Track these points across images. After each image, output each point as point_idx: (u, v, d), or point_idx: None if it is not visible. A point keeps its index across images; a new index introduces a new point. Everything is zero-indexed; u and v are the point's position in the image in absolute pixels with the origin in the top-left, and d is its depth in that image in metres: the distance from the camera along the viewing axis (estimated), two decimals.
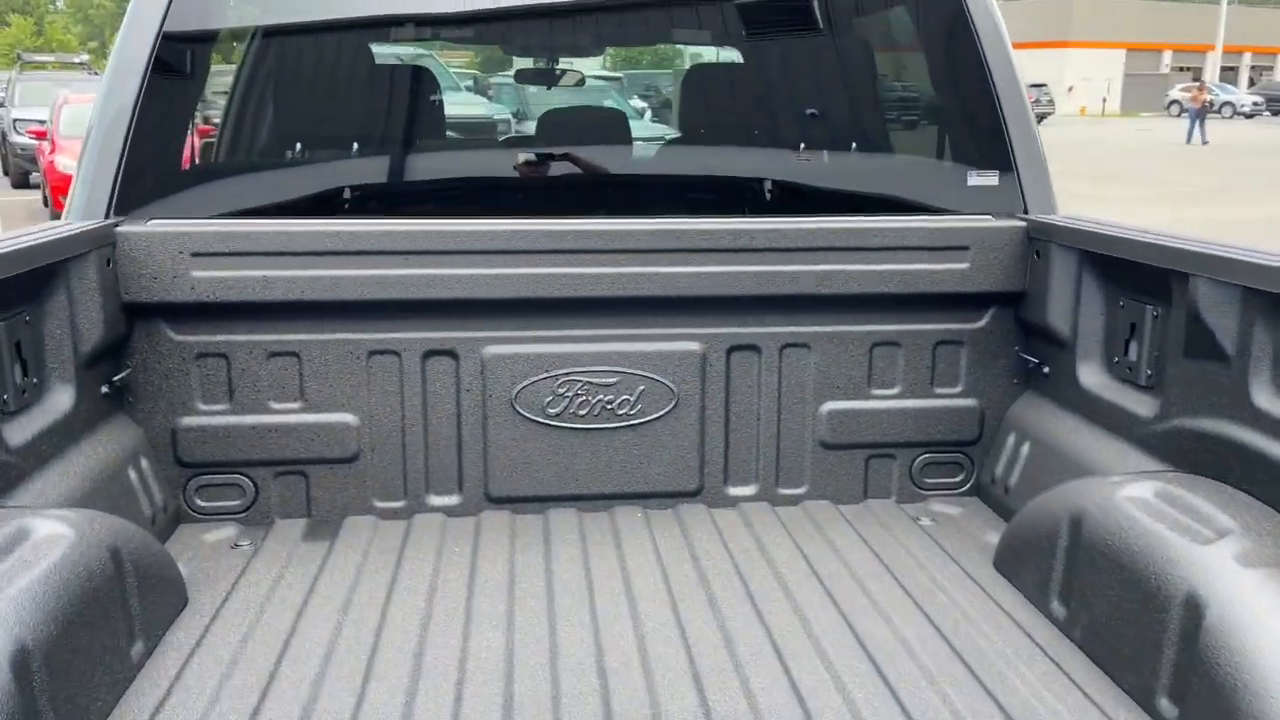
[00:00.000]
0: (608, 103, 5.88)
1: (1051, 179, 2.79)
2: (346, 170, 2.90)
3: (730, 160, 3.10)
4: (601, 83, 5.93)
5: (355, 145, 2.96)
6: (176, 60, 2.59)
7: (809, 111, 3.13)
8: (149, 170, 2.59)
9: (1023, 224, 2.77)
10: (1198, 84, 37.94)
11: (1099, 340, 2.58)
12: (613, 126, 3.48)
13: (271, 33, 2.92)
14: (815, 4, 3.00)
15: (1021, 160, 2.76)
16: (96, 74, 25.68)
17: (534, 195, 2.99)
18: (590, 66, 6.52)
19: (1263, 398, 2.00)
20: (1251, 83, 67.96)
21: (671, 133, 4.68)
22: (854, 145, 3.11)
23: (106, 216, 2.53)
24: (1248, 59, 71.38)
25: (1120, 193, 17.64)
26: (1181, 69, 68.37)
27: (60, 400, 2.35)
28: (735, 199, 2.98)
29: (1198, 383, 2.18)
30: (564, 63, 4.08)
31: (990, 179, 2.79)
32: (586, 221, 2.65)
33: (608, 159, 3.08)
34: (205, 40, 2.72)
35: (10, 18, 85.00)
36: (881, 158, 3.14)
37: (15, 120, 17.55)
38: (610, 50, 8.94)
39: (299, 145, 2.98)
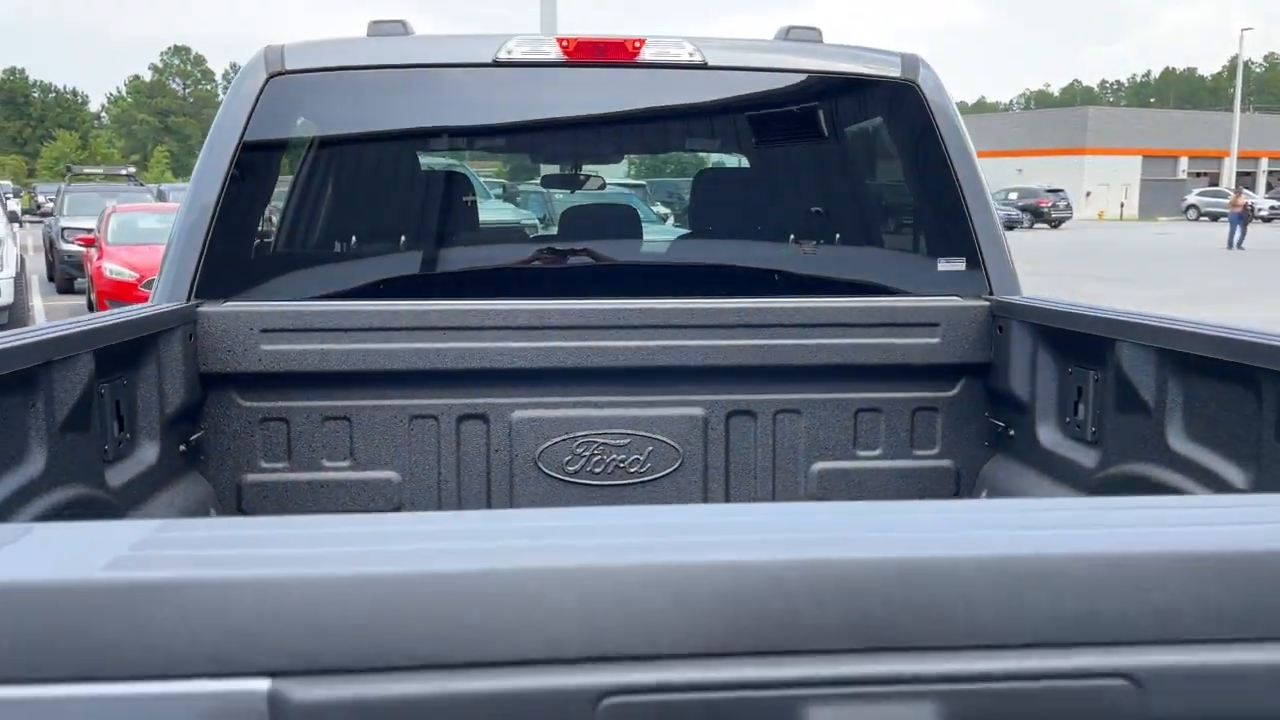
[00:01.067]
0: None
1: (1013, 264, 3.17)
2: (393, 260, 3.31)
3: (732, 251, 3.50)
4: (625, 190, 6.34)
5: (401, 239, 3.37)
6: (251, 169, 3.02)
7: (806, 209, 3.52)
8: (226, 261, 3.00)
9: (986, 303, 3.11)
10: (1235, 189, 38.12)
11: (1054, 403, 2.91)
12: (626, 221, 3.89)
13: (329, 144, 3.36)
14: (806, 120, 3.41)
15: (985, 248, 3.13)
16: (141, 185, 26.78)
17: (557, 280, 3.38)
18: (614, 175, 6.97)
19: (1176, 442, 2.34)
20: (1269, 187, 68.75)
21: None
22: (838, 238, 3.50)
23: (189, 299, 2.93)
24: (1264, 164, 72.33)
25: (1158, 294, 17.84)
26: (1198, 175, 69.30)
27: (147, 454, 2.72)
28: (736, 283, 3.35)
29: (1127, 433, 2.51)
30: (586, 169, 4.51)
31: (958, 265, 3.16)
32: (602, 302, 3.03)
33: (619, 252, 3.49)
34: (276, 152, 3.16)
35: (57, 132, 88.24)
36: (863, 248, 3.53)
37: (64, 229, 18.32)
38: (633, 159, 9.49)
39: (353, 239, 3.40)
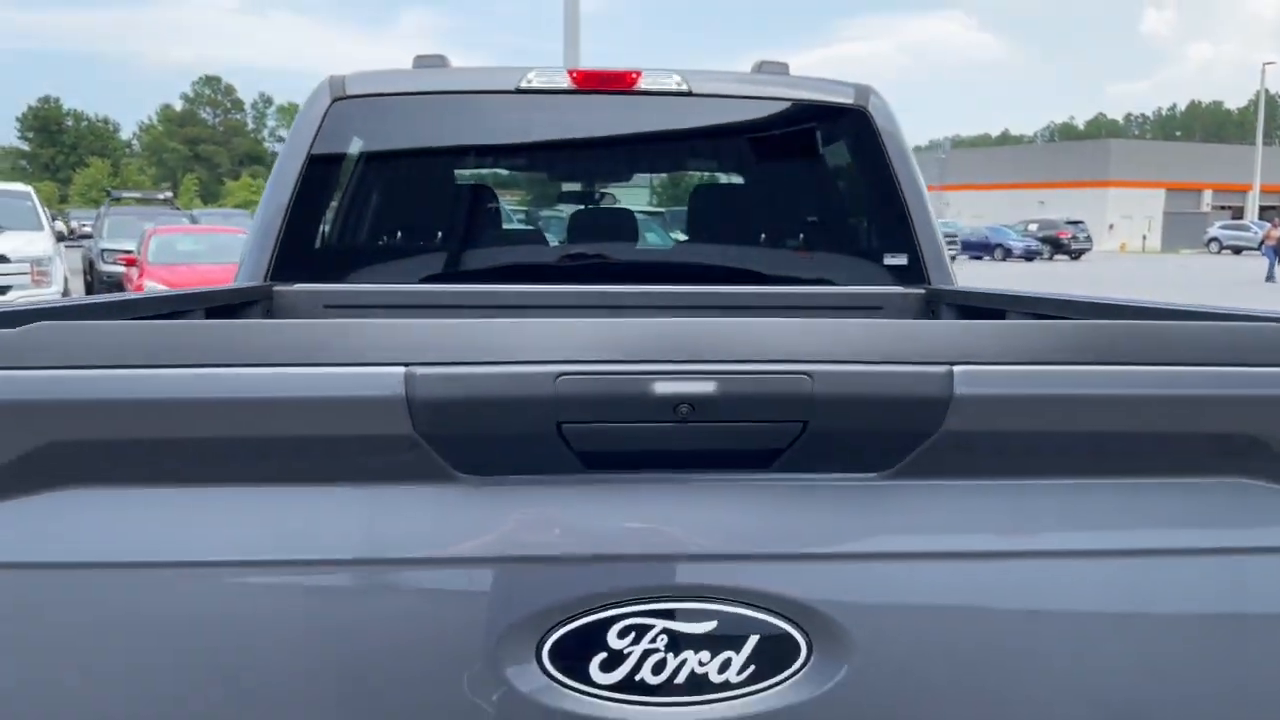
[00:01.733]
0: (650, 236, 6.91)
1: (947, 259, 3.63)
2: (431, 252, 3.83)
3: (710, 250, 4.00)
4: (645, 217, 6.87)
5: (438, 234, 3.90)
6: (316, 176, 3.53)
7: (773, 214, 4.02)
8: (295, 249, 3.45)
9: (923, 290, 3.54)
10: (1273, 222, 37.89)
11: None
12: (625, 227, 4.42)
13: (381, 155, 3.86)
14: (774, 139, 3.89)
15: (923, 246, 3.56)
16: (178, 209, 27.58)
17: (573, 272, 3.88)
18: (637, 202, 7.51)
19: None
20: None
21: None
22: (802, 237, 3.99)
23: (265, 280, 3.41)
24: None
25: None
26: (1222, 208, 69.47)
27: None
28: (719, 274, 3.83)
29: None
30: (597, 183, 5.08)
31: (900, 259, 3.61)
32: (606, 287, 3.45)
33: (619, 251, 3.99)
34: (337, 162, 3.67)
35: (89, 159, 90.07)
36: (821, 246, 4.02)
37: (104, 250, 19.04)
38: (656, 188, 10.14)
39: (399, 233, 3.92)
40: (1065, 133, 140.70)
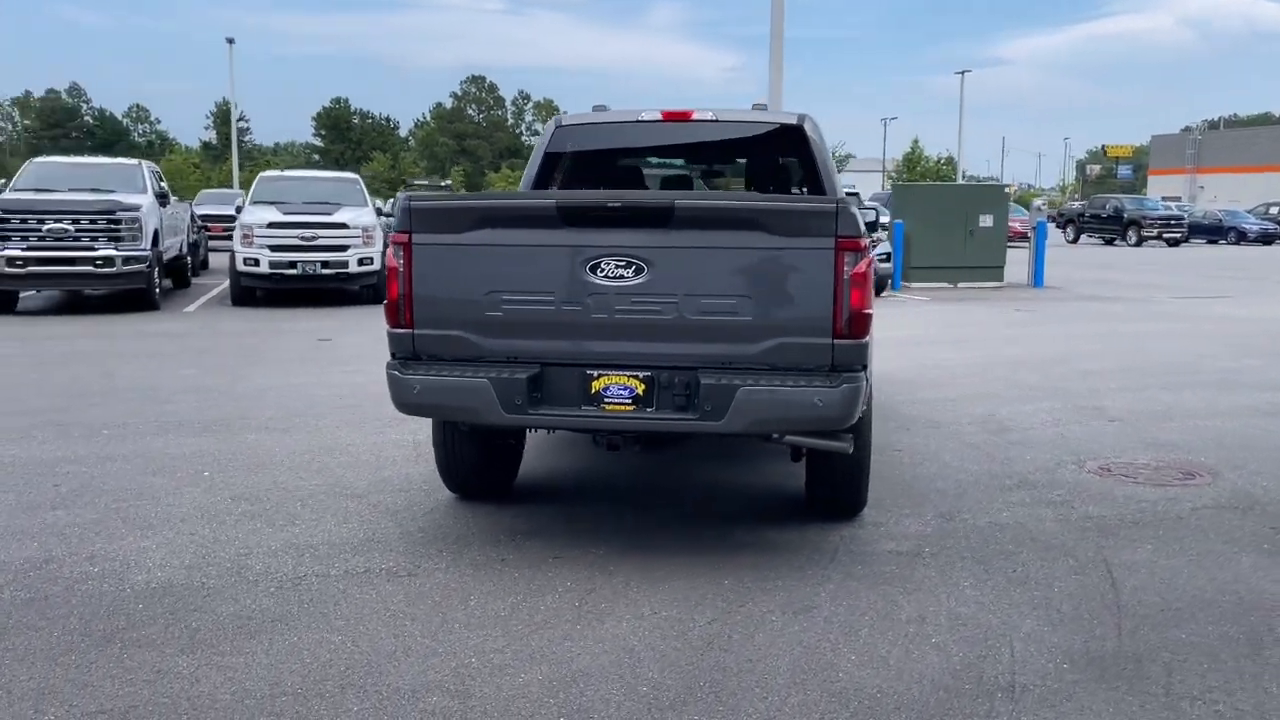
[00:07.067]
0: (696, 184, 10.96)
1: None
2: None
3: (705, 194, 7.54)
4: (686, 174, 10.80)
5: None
6: (547, 169, 7.23)
7: (752, 181, 7.58)
8: None
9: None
10: None
11: None
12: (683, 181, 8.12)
13: (585, 156, 7.54)
14: (756, 143, 7.23)
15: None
16: (455, 193, 33.09)
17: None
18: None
19: None
20: None
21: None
22: (770, 188, 7.46)
23: None
24: None
25: None
26: None
27: None
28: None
29: None
30: (678, 168, 8.85)
31: None
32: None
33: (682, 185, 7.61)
34: (557, 159, 7.35)
35: (373, 154, 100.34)
36: (775, 191, 7.46)
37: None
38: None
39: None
40: None
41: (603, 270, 4.63)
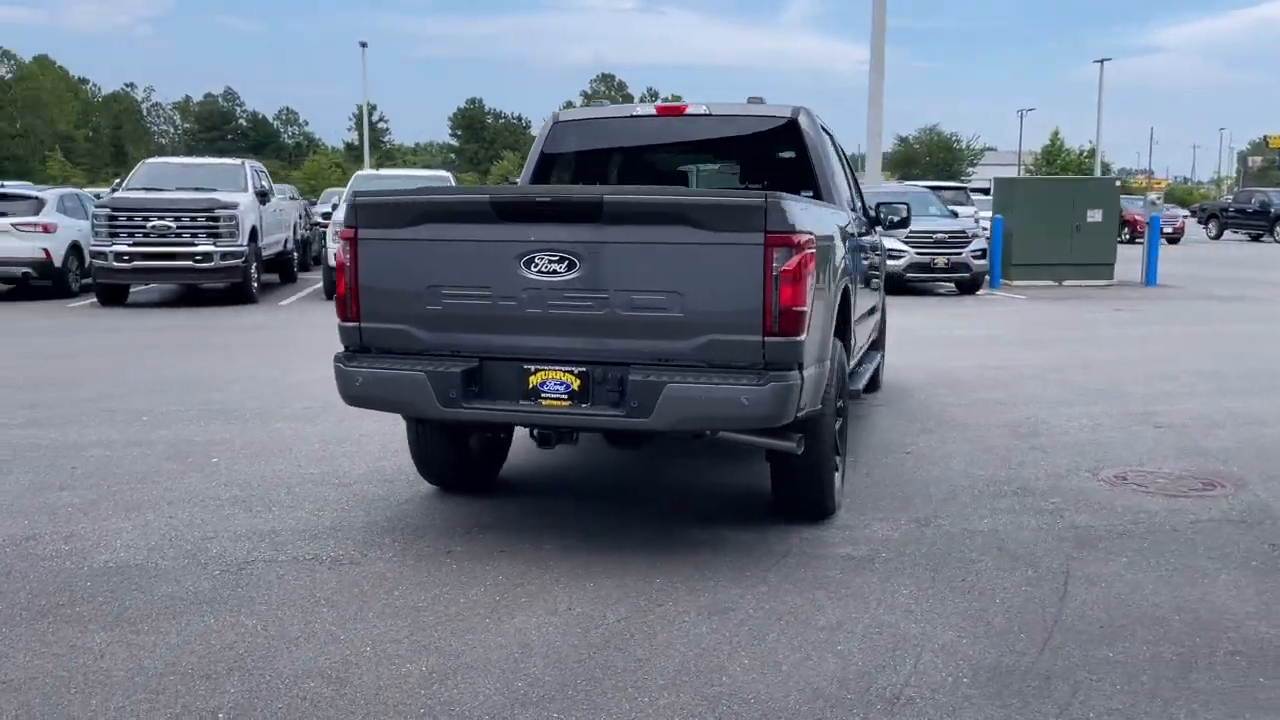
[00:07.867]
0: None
1: (837, 198, 6.81)
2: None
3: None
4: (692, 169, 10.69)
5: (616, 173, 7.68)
6: (544, 165, 7.27)
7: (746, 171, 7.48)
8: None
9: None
10: None
11: None
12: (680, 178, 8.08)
13: (582, 153, 7.54)
14: (752, 136, 7.06)
15: (821, 187, 6.50)
16: None
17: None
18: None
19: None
20: None
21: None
22: (765, 182, 7.25)
23: None
24: None
25: None
26: None
27: None
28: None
29: None
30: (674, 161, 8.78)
31: (808, 193, 6.55)
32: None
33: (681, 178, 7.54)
34: (555, 157, 7.35)
35: (503, 153, 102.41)
36: (771, 184, 7.26)
37: None
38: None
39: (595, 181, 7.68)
40: None
41: (537, 265, 4.63)
